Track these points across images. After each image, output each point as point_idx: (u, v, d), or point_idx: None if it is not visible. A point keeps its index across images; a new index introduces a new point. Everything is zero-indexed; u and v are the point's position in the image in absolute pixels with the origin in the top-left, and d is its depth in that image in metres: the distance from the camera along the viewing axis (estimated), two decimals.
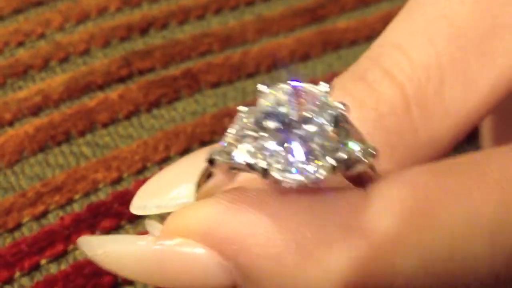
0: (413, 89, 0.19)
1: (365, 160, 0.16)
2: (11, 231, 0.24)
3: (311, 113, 0.16)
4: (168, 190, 0.18)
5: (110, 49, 0.29)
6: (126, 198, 0.25)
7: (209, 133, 0.27)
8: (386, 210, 0.16)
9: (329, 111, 0.16)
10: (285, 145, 0.16)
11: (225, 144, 0.16)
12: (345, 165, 0.16)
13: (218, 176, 0.17)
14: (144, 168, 0.26)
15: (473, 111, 0.19)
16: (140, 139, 0.26)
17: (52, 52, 0.29)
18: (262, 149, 0.16)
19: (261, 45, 0.31)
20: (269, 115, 0.16)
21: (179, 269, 0.16)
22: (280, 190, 0.16)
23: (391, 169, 0.19)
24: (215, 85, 0.29)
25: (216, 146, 0.16)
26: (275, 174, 0.15)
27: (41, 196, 0.24)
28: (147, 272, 0.17)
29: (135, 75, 0.28)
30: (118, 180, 0.25)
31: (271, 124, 0.16)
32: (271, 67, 0.30)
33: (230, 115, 0.28)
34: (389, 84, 0.19)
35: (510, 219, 0.17)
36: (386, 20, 0.33)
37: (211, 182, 0.17)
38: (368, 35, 0.32)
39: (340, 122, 0.16)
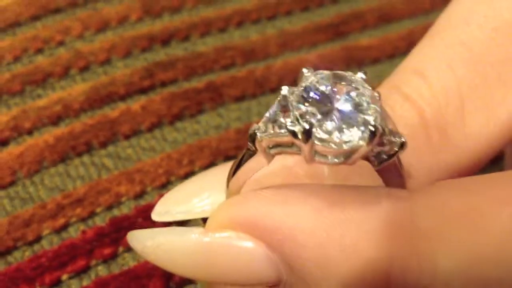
0: (432, 113, 0.19)
1: (397, 140, 0.17)
2: (30, 243, 0.23)
3: (351, 91, 0.16)
4: (191, 197, 0.19)
5: (131, 59, 0.29)
6: (150, 212, 0.24)
7: (234, 148, 0.26)
8: (431, 210, 0.16)
9: (367, 92, 0.16)
10: (328, 114, 0.16)
11: (264, 121, 0.16)
12: (380, 142, 0.16)
13: (250, 164, 0.17)
14: (168, 182, 0.25)
15: (493, 138, 0.19)
16: (163, 152, 0.26)
17: (72, 60, 0.28)
18: (304, 115, 0.16)
19: (283, 59, 0.30)
20: (312, 90, 0.16)
21: (228, 261, 0.16)
22: (313, 173, 0.17)
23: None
24: (239, 99, 0.28)
25: (255, 124, 0.16)
26: (317, 138, 0.16)
27: (62, 208, 0.24)
28: (197, 264, 0.17)
29: (158, 86, 0.28)
30: (141, 194, 0.24)
31: (314, 96, 0.16)
32: (293, 83, 0.30)
33: None
34: (409, 108, 0.19)
35: None
36: (407, 39, 0.33)
37: (242, 171, 0.17)
38: (390, 54, 0.32)
39: (376, 103, 0.16)
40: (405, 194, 0.17)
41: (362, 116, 0.16)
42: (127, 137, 0.26)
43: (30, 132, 0.26)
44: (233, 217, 0.16)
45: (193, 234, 0.17)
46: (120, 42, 0.29)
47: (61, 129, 0.26)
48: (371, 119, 0.16)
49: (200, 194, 0.19)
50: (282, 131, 0.16)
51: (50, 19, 0.30)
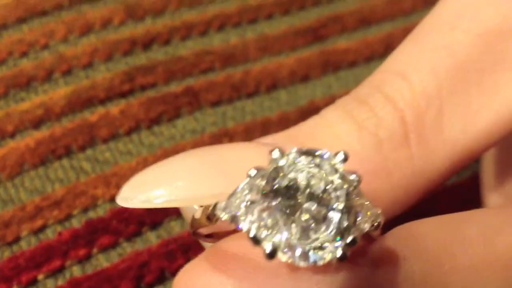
0: (412, 116, 0.19)
1: (373, 231, 0.17)
2: (9, 244, 0.24)
3: (323, 187, 0.16)
4: (154, 186, 0.18)
5: (113, 63, 0.30)
6: (125, 215, 0.25)
7: None
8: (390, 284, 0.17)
9: (342, 187, 0.16)
10: (293, 225, 0.16)
11: (231, 201, 0.16)
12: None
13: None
14: None
15: (470, 145, 0.19)
16: (139, 156, 0.27)
17: (55, 64, 0.29)
18: (269, 225, 0.16)
19: (262, 64, 0.31)
20: (279, 186, 0.16)
21: None
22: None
23: (386, 194, 0.19)
24: (215, 103, 0.29)
25: (222, 201, 0.17)
26: (281, 257, 0.16)
27: (40, 210, 0.25)
28: None
29: (137, 90, 0.29)
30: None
31: (281, 196, 0.16)
32: (271, 88, 0.31)
33: (229, 135, 0.28)
34: (390, 110, 0.19)
35: None
36: (386, 41, 0.34)
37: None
38: (368, 57, 0.33)
39: (351, 197, 0.16)
40: (366, 263, 0.17)
41: (333, 230, 0.16)
42: (105, 141, 0.27)
43: (12, 135, 0.27)
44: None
45: None
46: (102, 45, 0.30)
47: (42, 133, 0.27)
48: (342, 242, 0.16)
49: (163, 184, 0.18)
50: (245, 229, 0.16)
51: (36, 22, 0.31)
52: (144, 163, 0.26)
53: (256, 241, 0.16)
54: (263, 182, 0.16)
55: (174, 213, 0.25)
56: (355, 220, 0.17)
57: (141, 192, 0.18)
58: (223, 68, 0.31)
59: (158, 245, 0.24)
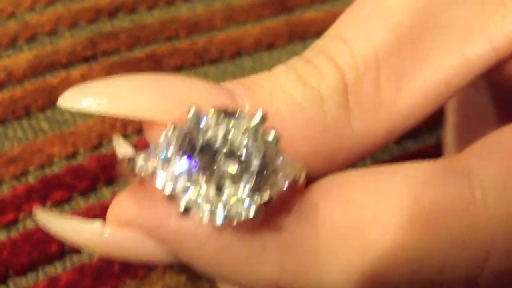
0: (351, 77, 0.20)
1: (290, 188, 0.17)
2: None
3: (241, 146, 0.16)
4: (98, 94, 0.18)
5: (77, 30, 0.30)
6: (79, 172, 0.25)
7: None
8: (316, 230, 0.17)
9: (260, 145, 0.16)
10: (208, 184, 0.16)
11: (148, 157, 0.16)
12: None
13: None
14: (99, 145, 0.26)
15: (405, 108, 0.20)
16: (99, 117, 0.27)
17: (20, 31, 0.30)
18: (185, 182, 0.16)
19: (227, 32, 0.31)
20: (195, 143, 0.16)
21: (125, 250, 0.18)
22: None
23: (322, 148, 0.20)
24: (178, 68, 0.29)
25: (141, 153, 0.17)
26: (196, 214, 0.16)
27: None
28: (98, 249, 0.18)
29: (100, 56, 0.29)
30: (73, 155, 0.26)
31: (198, 153, 0.16)
32: (235, 55, 0.31)
33: None
34: (332, 69, 0.20)
35: None
36: (348, 7, 0.34)
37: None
38: None
39: (268, 155, 0.16)
40: (290, 215, 0.17)
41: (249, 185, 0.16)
42: None
43: None
44: (131, 217, 0.18)
45: (91, 228, 0.18)
46: (67, 14, 0.30)
47: (3, 95, 0.27)
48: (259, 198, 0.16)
49: (103, 94, 0.18)
50: (160, 187, 0.16)
51: None
52: (102, 123, 0.27)
53: (171, 198, 0.16)
54: (180, 140, 0.16)
55: None
56: (272, 178, 0.17)
57: (84, 97, 0.18)
58: (187, 35, 0.31)
59: (112, 200, 0.25)
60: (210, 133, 0.16)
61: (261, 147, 0.16)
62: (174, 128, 0.16)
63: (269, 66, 0.31)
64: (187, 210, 0.16)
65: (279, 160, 0.17)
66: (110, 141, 0.26)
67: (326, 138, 0.19)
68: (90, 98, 0.18)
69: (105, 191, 0.25)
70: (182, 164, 0.16)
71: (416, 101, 0.20)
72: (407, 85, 0.20)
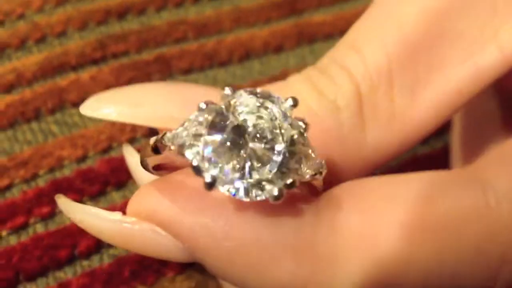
0: (366, 88, 0.20)
1: (314, 179, 0.17)
2: None
3: (271, 129, 0.17)
4: (118, 103, 0.19)
5: (87, 31, 0.30)
6: (89, 175, 0.25)
7: None
8: (331, 234, 0.17)
9: (289, 131, 0.17)
10: (236, 161, 0.16)
11: (179, 132, 0.17)
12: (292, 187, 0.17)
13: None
14: (109, 148, 0.26)
15: (418, 118, 0.20)
16: None
17: (29, 32, 0.29)
18: (212, 157, 0.16)
19: (235, 35, 0.31)
20: (227, 120, 0.16)
21: (143, 244, 0.18)
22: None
23: (339, 158, 0.20)
24: (187, 71, 0.29)
25: (169, 132, 0.17)
26: (220, 188, 0.16)
27: (7, 170, 0.25)
28: (114, 241, 0.18)
29: (109, 58, 0.29)
30: (83, 158, 0.26)
31: (227, 131, 0.16)
32: (244, 57, 0.31)
33: None
34: (347, 81, 0.20)
35: None
36: (362, 15, 0.34)
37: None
38: (343, 30, 0.32)
39: (296, 143, 0.17)
40: (308, 217, 0.18)
41: (275, 169, 0.16)
42: (75, 104, 0.27)
43: None
44: (149, 210, 0.18)
45: (112, 217, 0.18)
46: (77, 15, 0.30)
47: (13, 96, 0.27)
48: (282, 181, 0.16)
49: (122, 102, 0.20)
50: (189, 158, 0.16)
51: None
52: (112, 127, 0.27)
53: (197, 170, 0.16)
54: (211, 117, 0.16)
55: None
56: (297, 165, 0.17)
57: (105, 105, 0.19)
58: (196, 38, 0.31)
59: (122, 204, 0.25)
60: (241, 112, 0.17)
61: (289, 131, 0.17)
62: (207, 105, 0.17)
63: (277, 69, 0.31)
64: (212, 183, 0.16)
65: (305, 148, 0.17)
66: (120, 144, 0.26)
67: (342, 148, 0.20)
68: (111, 106, 0.19)
69: (115, 195, 0.25)
70: (211, 139, 0.16)
71: (429, 111, 0.20)
72: (420, 95, 0.20)
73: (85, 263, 0.23)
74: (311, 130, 0.18)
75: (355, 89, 0.20)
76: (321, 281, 0.17)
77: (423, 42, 0.20)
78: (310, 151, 0.18)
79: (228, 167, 0.16)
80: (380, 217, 0.18)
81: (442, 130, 0.31)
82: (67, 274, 0.23)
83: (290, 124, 0.17)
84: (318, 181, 0.18)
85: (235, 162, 0.16)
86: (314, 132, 0.18)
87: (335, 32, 0.33)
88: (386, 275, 0.17)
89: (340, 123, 0.20)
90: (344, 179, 0.20)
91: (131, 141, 0.27)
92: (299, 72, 0.21)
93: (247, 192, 0.16)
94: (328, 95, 0.20)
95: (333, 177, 0.19)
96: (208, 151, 0.16)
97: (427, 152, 0.30)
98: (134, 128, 0.27)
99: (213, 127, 0.16)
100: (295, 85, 0.20)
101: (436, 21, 0.20)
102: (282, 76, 0.31)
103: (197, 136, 0.16)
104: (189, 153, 0.16)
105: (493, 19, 0.20)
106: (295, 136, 0.17)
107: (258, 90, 0.17)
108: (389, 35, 0.20)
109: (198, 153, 0.16)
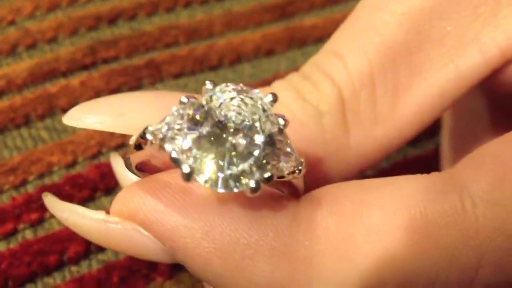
0: (348, 94, 0.20)
1: (293, 178, 0.17)
2: None
3: (251, 124, 0.17)
4: (100, 112, 0.20)
5: (77, 37, 0.30)
6: (79, 181, 0.25)
7: None
8: (311, 239, 0.17)
9: (268, 126, 0.17)
10: (215, 154, 0.16)
11: (160, 126, 0.17)
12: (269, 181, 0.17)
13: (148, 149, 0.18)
14: (99, 153, 0.26)
15: (401, 122, 0.20)
16: None
17: (20, 38, 0.30)
18: (192, 149, 0.16)
19: (227, 39, 0.31)
20: (208, 114, 0.17)
21: (125, 243, 0.18)
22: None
23: (322, 162, 0.20)
24: (177, 76, 0.30)
25: (150, 126, 0.17)
26: (198, 179, 0.16)
27: None
28: (98, 239, 0.18)
29: (99, 63, 0.29)
30: (72, 164, 0.26)
31: (208, 125, 0.16)
32: (235, 61, 0.31)
33: None
34: (330, 87, 0.20)
35: None
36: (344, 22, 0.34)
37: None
38: (333, 33, 0.33)
39: (275, 139, 0.17)
40: (287, 220, 0.18)
41: (253, 162, 0.16)
42: (64, 110, 0.27)
43: None
44: (132, 210, 0.18)
45: (96, 216, 0.18)
46: (67, 21, 0.30)
47: (2, 103, 0.27)
48: (261, 175, 0.16)
49: (105, 112, 0.20)
50: (168, 150, 0.16)
51: (5, 0, 0.31)
52: (102, 132, 0.27)
53: (176, 161, 0.16)
54: (191, 111, 0.17)
55: None
56: (276, 160, 0.17)
57: (87, 116, 0.19)
58: (187, 42, 0.31)
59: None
60: (221, 106, 0.17)
61: (269, 126, 0.17)
62: (188, 100, 0.17)
63: (269, 72, 0.31)
64: (190, 174, 0.16)
65: (284, 145, 0.17)
66: (109, 150, 0.26)
67: (325, 153, 0.20)
68: (93, 116, 0.19)
69: (104, 201, 0.25)
70: (191, 132, 0.16)
71: (411, 115, 0.20)
72: (402, 99, 0.20)
73: (74, 268, 0.23)
74: (294, 135, 0.18)
75: (338, 94, 0.20)
76: (298, 285, 0.17)
77: (403, 47, 0.20)
78: (288, 148, 0.18)
79: (207, 159, 0.16)
80: (357, 222, 0.18)
81: (434, 132, 0.31)
82: (56, 280, 0.23)
83: (270, 120, 0.17)
84: (299, 181, 0.18)
85: (214, 155, 0.16)
86: (298, 138, 0.19)
87: (326, 35, 0.33)
88: (365, 279, 0.17)
89: (323, 128, 0.20)
90: (328, 183, 0.20)
91: (121, 146, 0.27)
92: (283, 78, 0.21)
93: (224, 183, 0.16)
94: (311, 101, 0.20)
95: (316, 182, 0.19)
96: (187, 144, 0.16)
97: (418, 154, 0.30)
98: (123, 134, 0.27)
99: (194, 120, 0.17)
100: (278, 89, 0.20)
101: (417, 26, 0.20)
102: (273, 79, 0.31)
103: (177, 129, 0.17)
104: (168, 146, 0.16)
105: (474, 22, 0.20)
106: (274, 130, 0.17)
107: (239, 85, 0.17)
108: (370, 41, 0.20)
109: (178, 145, 0.16)
